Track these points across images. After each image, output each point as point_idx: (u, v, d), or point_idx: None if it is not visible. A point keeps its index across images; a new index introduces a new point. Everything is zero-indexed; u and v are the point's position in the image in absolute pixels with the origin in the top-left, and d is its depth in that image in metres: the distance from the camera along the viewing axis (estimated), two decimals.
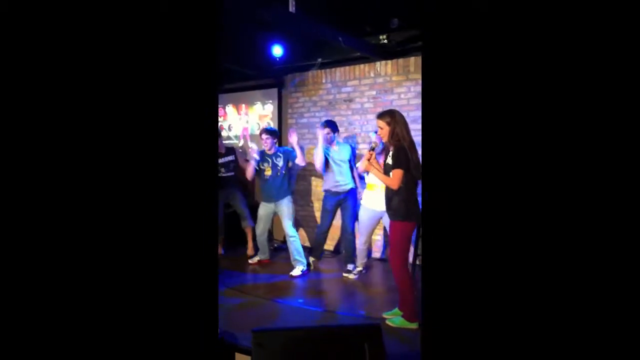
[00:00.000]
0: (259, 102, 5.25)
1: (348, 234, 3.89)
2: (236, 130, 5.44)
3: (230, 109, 5.53)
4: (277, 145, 4.05)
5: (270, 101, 5.15)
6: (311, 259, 4.10)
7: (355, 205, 3.90)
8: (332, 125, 3.84)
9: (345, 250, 3.97)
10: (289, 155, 3.96)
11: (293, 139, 3.86)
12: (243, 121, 5.41)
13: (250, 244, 4.43)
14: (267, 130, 4.00)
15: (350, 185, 3.86)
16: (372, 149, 2.80)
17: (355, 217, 3.90)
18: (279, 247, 4.75)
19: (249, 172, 4.03)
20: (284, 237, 4.01)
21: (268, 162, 3.98)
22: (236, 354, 2.47)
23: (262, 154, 4.02)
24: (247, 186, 4.67)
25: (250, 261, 4.29)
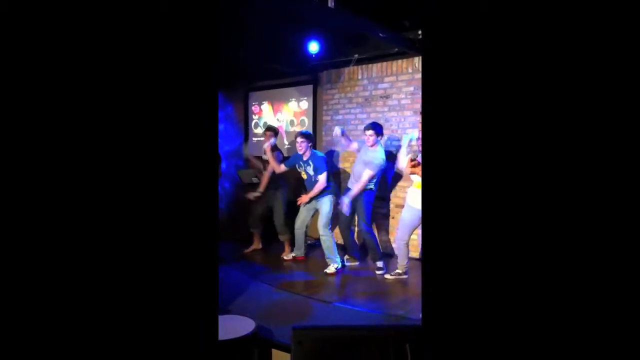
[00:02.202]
0: (293, 99, 5.26)
1: (364, 233, 3.84)
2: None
3: (265, 106, 5.57)
4: (312, 148, 4.00)
5: (305, 98, 5.15)
6: (346, 257, 4.08)
7: (368, 205, 3.82)
8: (377, 128, 3.77)
9: (369, 248, 3.91)
10: (319, 165, 3.89)
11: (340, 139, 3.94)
12: (278, 119, 5.43)
13: (287, 250, 4.41)
14: (302, 134, 3.96)
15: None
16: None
17: (368, 216, 3.83)
18: (314, 244, 4.74)
19: (275, 168, 4.13)
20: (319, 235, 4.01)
21: (302, 167, 3.99)
22: (273, 350, 2.49)
23: (297, 157, 4.02)
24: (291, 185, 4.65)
25: (285, 257, 4.30)
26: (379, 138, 3.79)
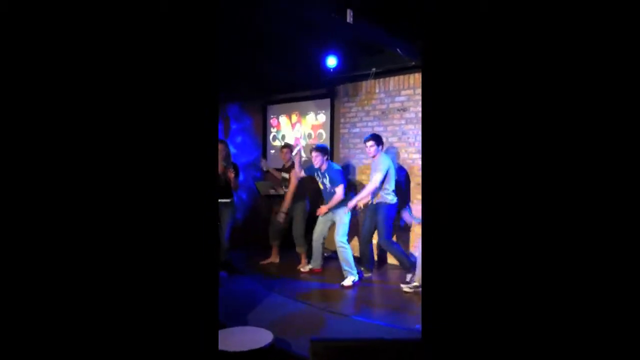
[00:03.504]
0: (311, 112, 5.31)
1: (386, 245, 3.85)
2: (289, 141, 5.51)
3: (283, 119, 5.63)
4: (328, 160, 4.02)
5: (323, 111, 5.19)
6: (361, 268, 4.08)
7: (387, 217, 3.82)
8: (376, 138, 3.86)
9: (397, 260, 3.90)
10: (335, 178, 3.92)
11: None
12: (296, 131, 5.48)
13: (303, 262, 4.43)
14: (317, 148, 3.99)
15: (382, 199, 3.81)
16: None
17: (389, 228, 3.83)
18: (330, 257, 4.74)
19: (297, 172, 4.13)
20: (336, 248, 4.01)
21: (319, 177, 4.04)
22: None
23: (316, 169, 4.06)
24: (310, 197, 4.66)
25: (302, 269, 4.30)
26: (379, 147, 3.84)
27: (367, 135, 3.95)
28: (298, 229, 4.38)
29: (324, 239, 4.16)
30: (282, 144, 4.85)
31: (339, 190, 3.88)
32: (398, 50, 3.40)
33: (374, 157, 3.85)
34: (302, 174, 4.15)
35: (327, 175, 3.96)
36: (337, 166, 4.11)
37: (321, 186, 4.05)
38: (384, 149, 4.04)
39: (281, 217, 4.32)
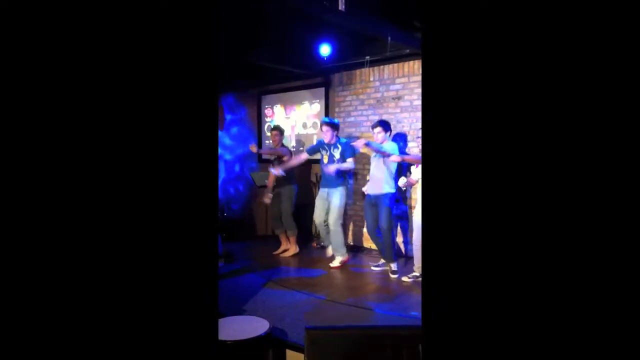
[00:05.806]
0: (306, 102, 5.29)
1: (381, 233, 3.86)
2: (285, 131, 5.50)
3: (278, 108, 5.61)
4: (337, 136, 4.11)
5: (317, 100, 5.17)
6: (381, 261, 4.06)
7: (391, 206, 3.83)
8: (384, 125, 3.85)
9: (385, 249, 3.89)
10: (346, 149, 4.01)
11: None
12: (291, 120, 5.46)
13: (293, 246, 4.58)
14: (328, 123, 4.06)
15: (385, 190, 3.80)
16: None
17: (387, 219, 3.81)
18: (324, 246, 4.76)
19: (294, 160, 4.27)
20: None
21: (326, 150, 4.09)
22: (287, 350, 2.51)
23: (322, 143, 4.14)
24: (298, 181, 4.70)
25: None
26: (387, 134, 3.84)
27: (375, 121, 3.92)
28: (286, 211, 4.44)
29: (325, 221, 4.14)
30: (272, 127, 4.85)
31: (351, 160, 3.99)
32: (389, 38, 3.38)
33: (381, 143, 3.82)
34: (305, 156, 4.23)
35: (339, 146, 4.03)
36: (345, 140, 4.19)
37: (326, 159, 4.09)
38: (392, 135, 3.99)
39: (267, 199, 4.45)
